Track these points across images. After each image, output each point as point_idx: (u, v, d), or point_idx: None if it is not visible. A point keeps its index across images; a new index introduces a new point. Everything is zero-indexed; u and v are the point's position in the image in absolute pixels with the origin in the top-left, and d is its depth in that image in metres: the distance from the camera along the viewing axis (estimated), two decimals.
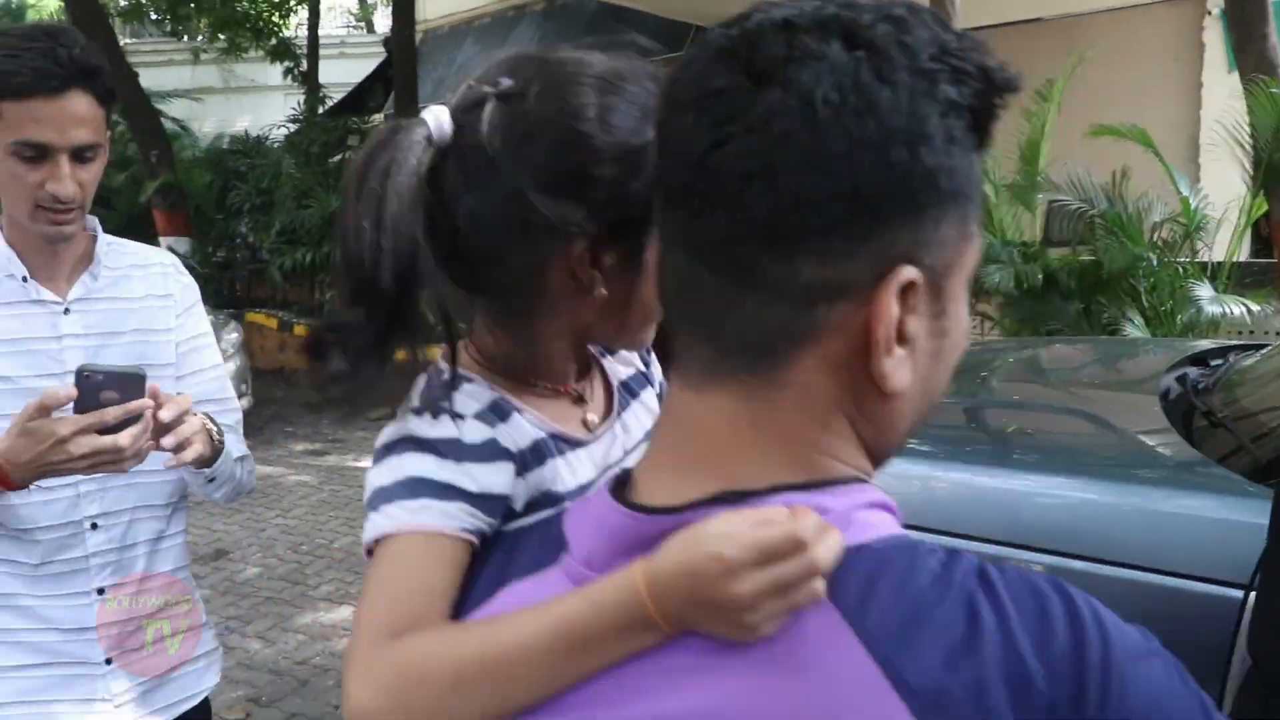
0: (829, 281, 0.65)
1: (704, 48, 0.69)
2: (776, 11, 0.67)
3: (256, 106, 18.19)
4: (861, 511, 0.68)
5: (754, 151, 0.64)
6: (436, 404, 0.94)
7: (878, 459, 0.73)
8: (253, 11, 14.42)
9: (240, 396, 8.77)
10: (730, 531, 0.65)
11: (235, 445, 1.90)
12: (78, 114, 1.69)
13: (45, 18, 20.25)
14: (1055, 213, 7.51)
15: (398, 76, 12.82)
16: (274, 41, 14.70)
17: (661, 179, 0.71)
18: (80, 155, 1.73)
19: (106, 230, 1.96)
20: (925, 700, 0.59)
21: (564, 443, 1.01)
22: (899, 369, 0.67)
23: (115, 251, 1.95)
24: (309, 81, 14.45)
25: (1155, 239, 6.58)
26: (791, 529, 0.63)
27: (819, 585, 0.64)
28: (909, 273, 0.65)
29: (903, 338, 0.67)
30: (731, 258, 0.66)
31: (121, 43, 22.41)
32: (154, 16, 16.17)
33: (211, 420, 1.82)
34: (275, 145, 13.62)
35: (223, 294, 13.12)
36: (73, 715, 1.82)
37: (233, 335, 9.30)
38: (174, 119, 20.01)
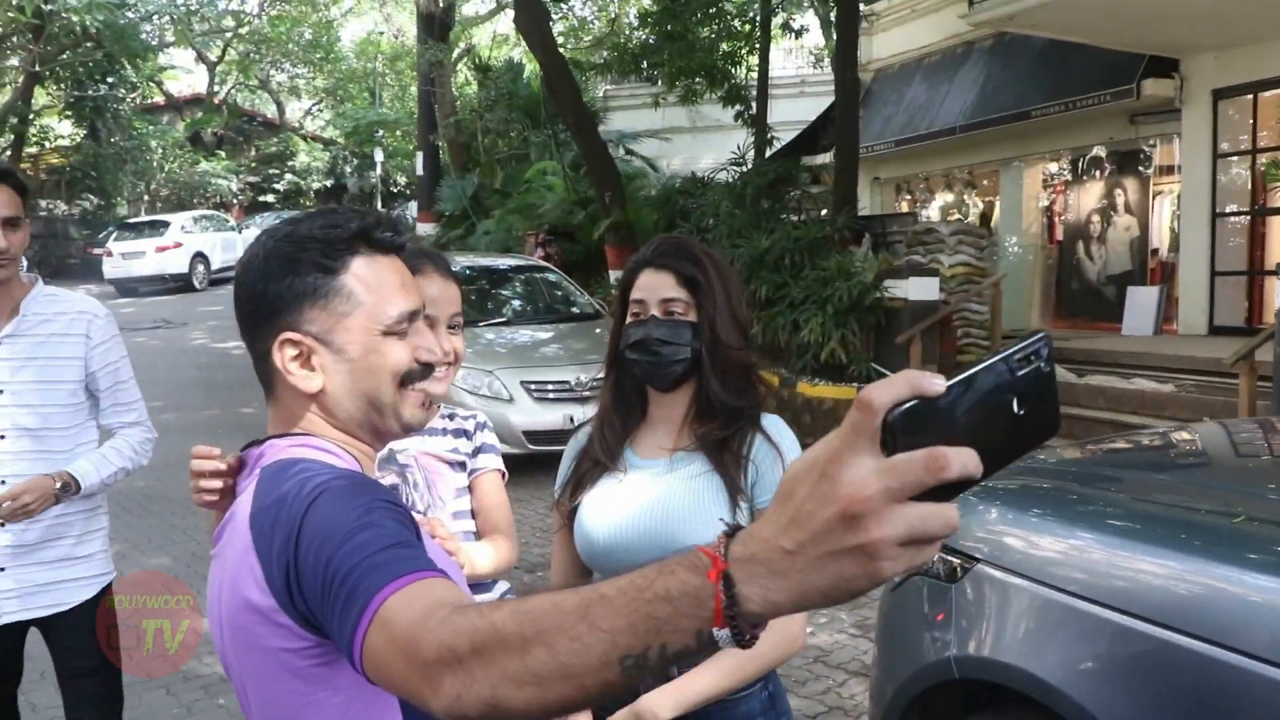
0: (264, 348, 1.40)
1: None
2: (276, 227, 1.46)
3: (720, 144, 19.19)
4: (290, 448, 1.37)
5: (236, 295, 1.44)
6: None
7: (361, 422, 1.44)
8: (707, 61, 15.26)
9: None
10: None
11: (116, 456, 3.05)
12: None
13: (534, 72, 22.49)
14: None
15: (839, 117, 13.16)
16: (727, 87, 15.48)
17: None
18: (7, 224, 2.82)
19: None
20: (255, 528, 1.26)
21: None
22: (307, 382, 1.39)
23: (48, 299, 3.03)
24: (757, 123, 15.11)
25: None
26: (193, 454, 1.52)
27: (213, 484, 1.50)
28: (286, 335, 1.38)
29: (309, 366, 1.39)
30: (247, 343, 1.45)
31: (602, 90, 24.58)
32: (617, 72, 17.50)
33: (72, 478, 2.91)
34: (720, 184, 14.37)
35: None
36: None
37: None
38: (644, 158, 21.65)
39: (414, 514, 2.02)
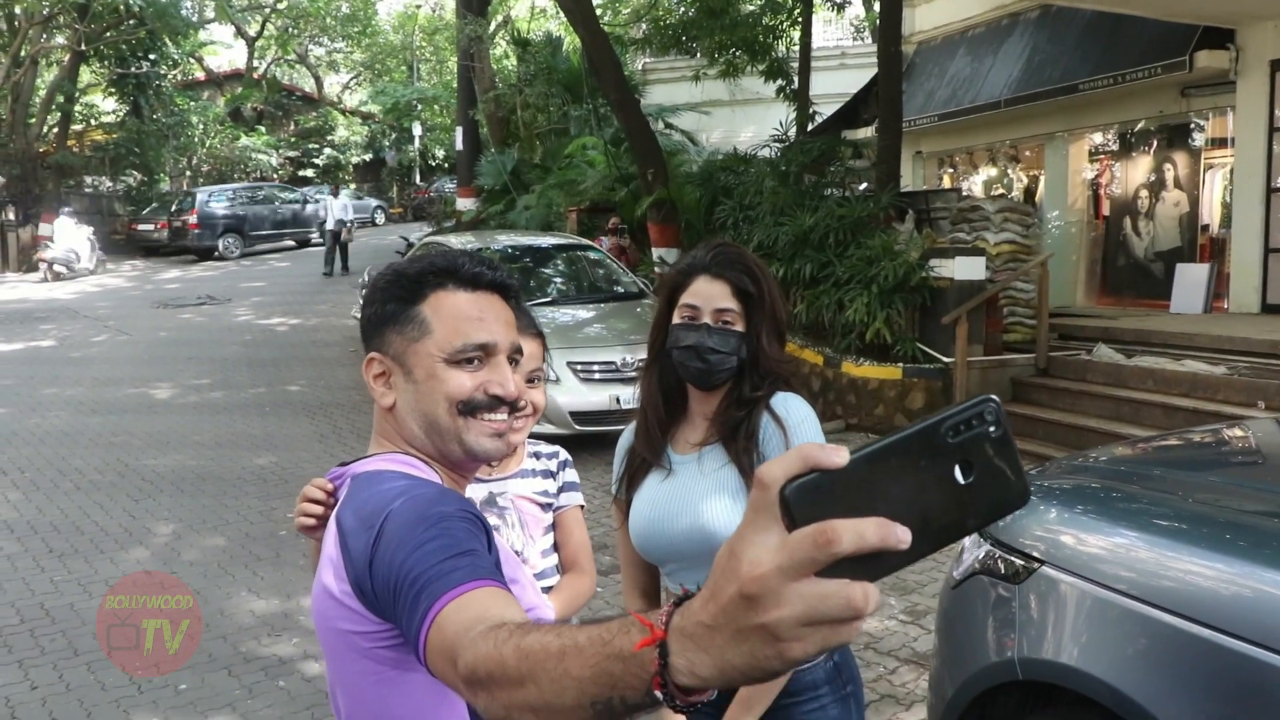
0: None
1: None
2: None
3: (761, 117, 19.07)
4: (376, 461, 1.55)
5: None
6: None
7: (425, 442, 1.57)
8: (748, 36, 15.16)
9: None
10: None
11: None
12: None
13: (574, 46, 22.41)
14: None
15: (882, 92, 13.01)
16: (768, 61, 15.37)
17: None
18: None
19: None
20: (341, 524, 1.43)
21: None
22: (383, 398, 1.58)
23: None
24: (799, 98, 15.00)
25: None
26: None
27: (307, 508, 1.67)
28: (372, 354, 1.59)
29: (389, 385, 1.57)
30: None
31: (641, 63, 24.46)
32: (656, 47, 17.44)
33: None
34: (762, 160, 14.28)
35: None
36: None
37: None
38: (683, 131, 21.55)
39: (512, 551, 2.09)
